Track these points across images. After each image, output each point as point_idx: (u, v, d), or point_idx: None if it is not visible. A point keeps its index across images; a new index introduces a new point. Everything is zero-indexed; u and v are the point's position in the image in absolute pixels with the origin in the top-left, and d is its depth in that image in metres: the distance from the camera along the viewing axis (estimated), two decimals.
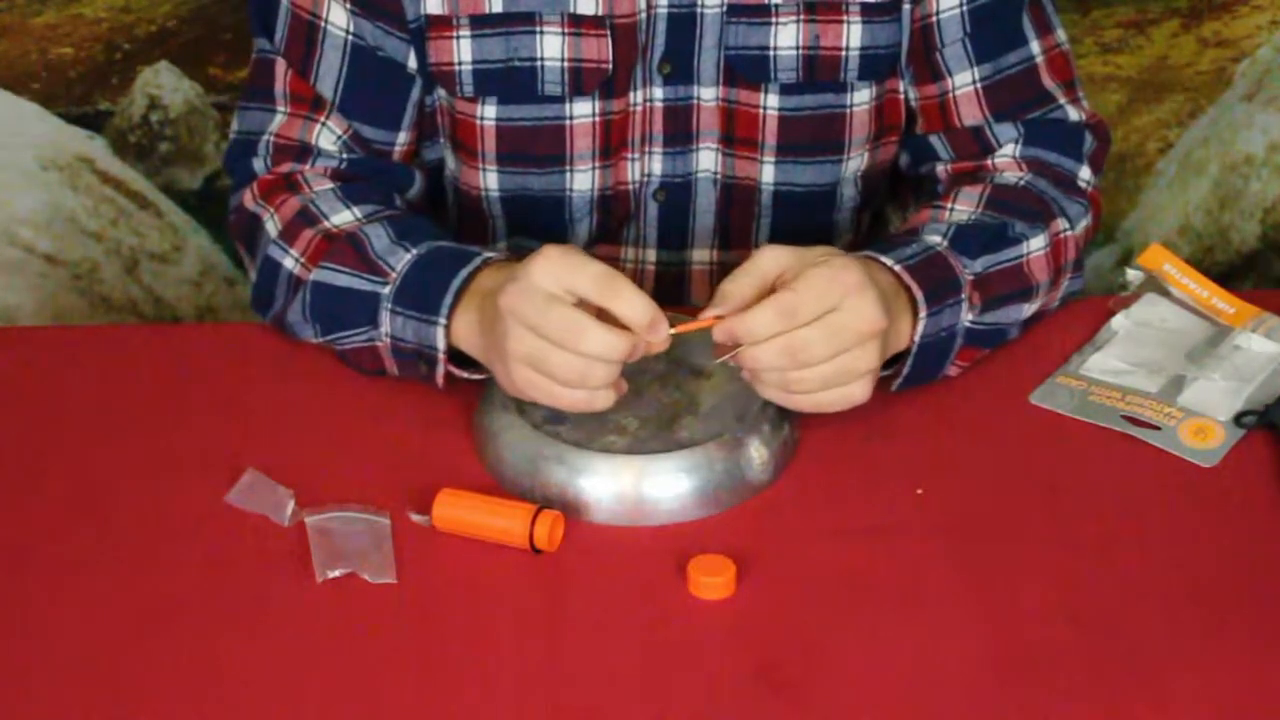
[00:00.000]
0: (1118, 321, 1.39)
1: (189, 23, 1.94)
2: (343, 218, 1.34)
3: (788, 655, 1.11)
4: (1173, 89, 2.06)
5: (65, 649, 1.12)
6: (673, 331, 1.17)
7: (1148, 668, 1.10)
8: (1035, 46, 1.42)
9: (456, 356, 1.28)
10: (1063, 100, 1.43)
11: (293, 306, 1.34)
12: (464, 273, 1.26)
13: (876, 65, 1.41)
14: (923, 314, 1.26)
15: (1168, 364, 1.35)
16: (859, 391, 1.20)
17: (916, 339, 1.27)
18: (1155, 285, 1.43)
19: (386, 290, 1.28)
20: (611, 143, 1.42)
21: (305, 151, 1.39)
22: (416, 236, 1.31)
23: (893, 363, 1.29)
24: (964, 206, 1.37)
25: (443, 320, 1.25)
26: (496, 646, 1.12)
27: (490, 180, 1.44)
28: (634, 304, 1.16)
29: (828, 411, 1.22)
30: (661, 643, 1.12)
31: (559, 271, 1.16)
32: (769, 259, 1.19)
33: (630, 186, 1.45)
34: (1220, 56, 2.04)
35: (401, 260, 1.29)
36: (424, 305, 1.26)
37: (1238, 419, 1.29)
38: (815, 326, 1.16)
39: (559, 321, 1.15)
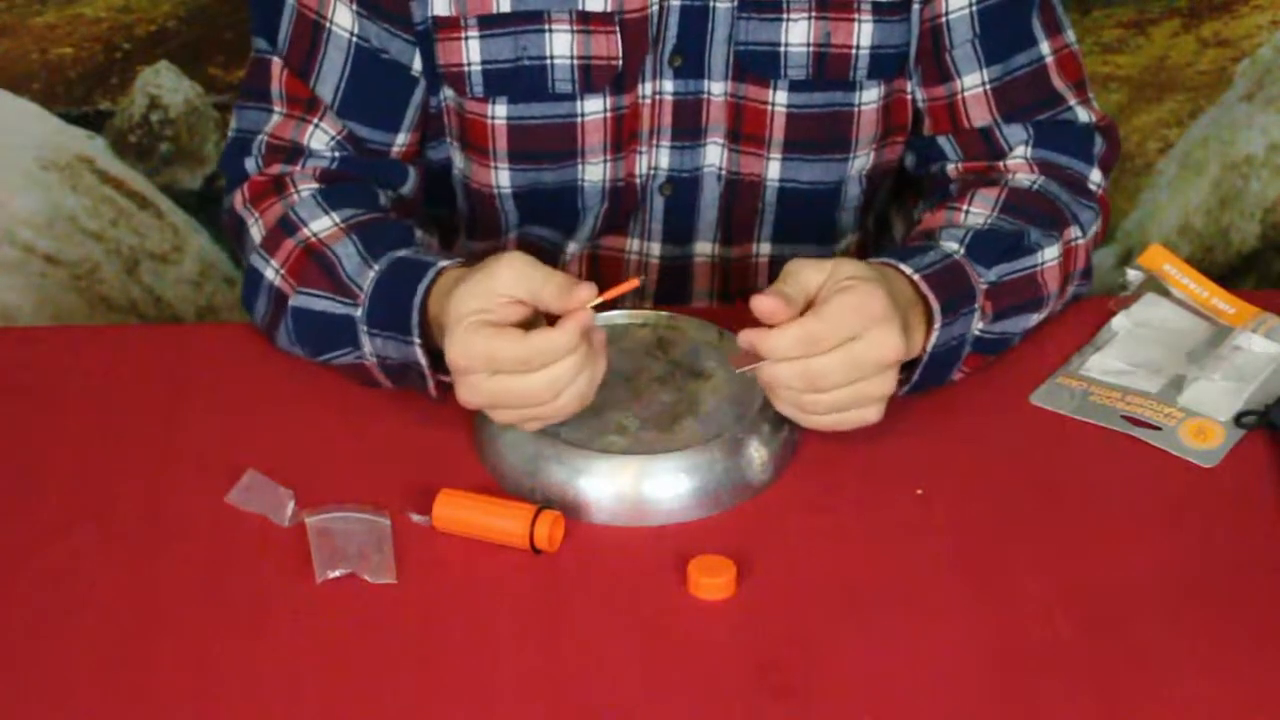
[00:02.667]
0: (1118, 322, 1.39)
1: (189, 23, 1.94)
2: (321, 224, 1.34)
3: (788, 655, 1.11)
4: (1173, 89, 2.06)
5: (65, 649, 1.12)
6: (598, 300, 1.17)
7: (1148, 667, 1.10)
8: (1045, 47, 1.42)
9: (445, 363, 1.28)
10: (1073, 101, 1.43)
11: (280, 330, 1.34)
12: (421, 291, 1.25)
13: (886, 64, 1.41)
14: (938, 325, 1.26)
15: (1168, 364, 1.35)
16: (872, 415, 1.21)
17: (929, 348, 1.27)
18: (1155, 285, 1.43)
19: (359, 313, 1.28)
20: (622, 137, 1.42)
21: (297, 152, 1.39)
22: (381, 249, 1.30)
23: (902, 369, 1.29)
24: (980, 209, 1.36)
25: (416, 340, 1.25)
26: (496, 646, 1.12)
27: (502, 178, 1.44)
28: (558, 344, 1.16)
29: (839, 430, 1.22)
30: (661, 643, 1.12)
31: (476, 303, 1.17)
32: (810, 275, 1.19)
33: (637, 180, 1.45)
34: (1220, 56, 2.04)
35: (367, 279, 1.29)
36: (395, 325, 1.26)
37: (1238, 419, 1.29)
38: (834, 354, 1.17)
39: (504, 352, 1.16)
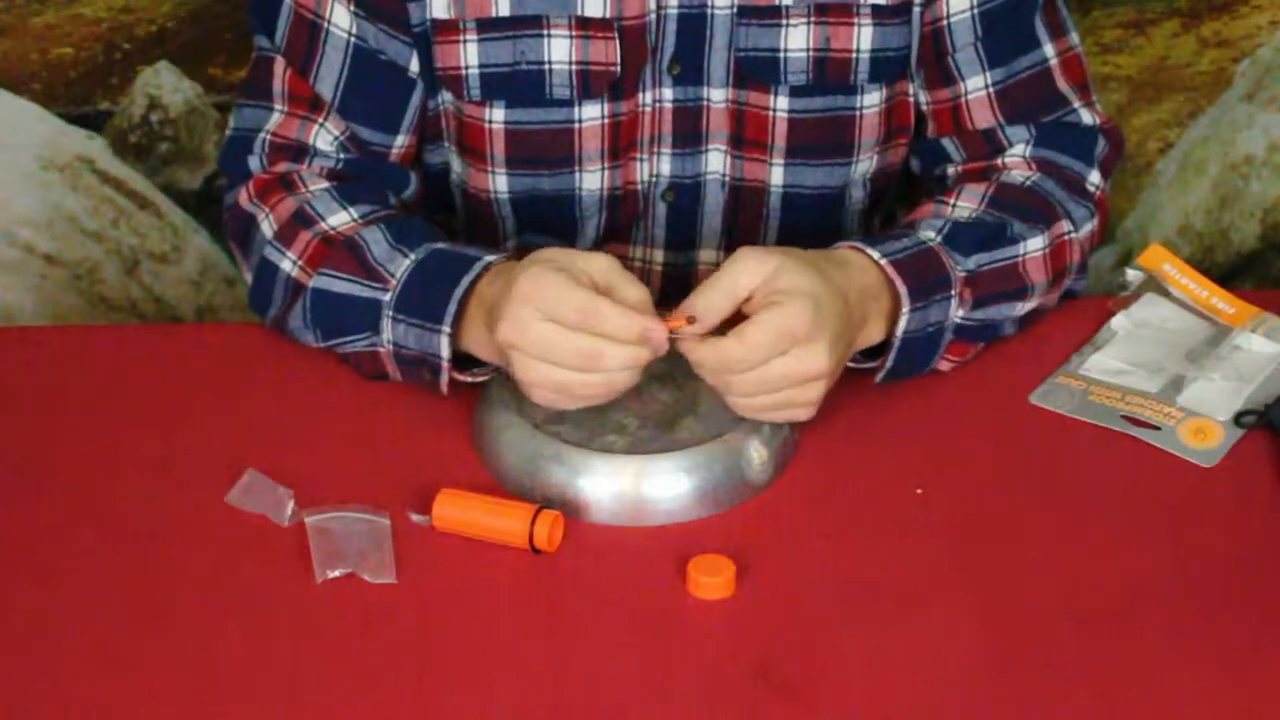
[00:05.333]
0: (1118, 321, 1.39)
1: (189, 23, 1.94)
2: (339, 219, 1.34)
3: (787, 655, 1.11)
4: (1173, 89, 2.06)
5: (65, 649, 1.12)
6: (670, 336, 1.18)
7: (1148, 667, 1.10)
8: (1049, 49, 1.41)
9: (460, 359, 1.28)
10: (1077, 104, 1.43)
11: (293, 312, 1.34)
12: (466, 281, 1.26)
13: (887, 68, 1.41)
14: (905, 309, 1.26)
15: (1168, 364, 1.35)
16: (801, 415, 1.22)
17: (899, 334, 1.27)
18: (1155, 285, 1.43)
19: (387, 298, 1.28)
20: (620, 144, 1.42)
21: (302, 151, 1.39)
22: (414, 240, 1.31)
23: (877, 354, 1.29)
24: (966, 203, 1.37)
25: (447, 329, 1.25)
26: (496, 646, 1.12)
27: (500, 183, 1.44)
28: (619, 324, 1.16)
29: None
30: (661, 643, 1.12)
31: (541, 301, 1.16)
32: (742, 275, 1.19)
33: (639, 187, 1.45)
34: (1220, 56, 2.04)
35: (400, 266, 1.29)
36: (427, 313, 1.26)
37: (1237, 419, 1.29)
38: (752, 374, 1.17)
39: (565, 350, 1.16)
